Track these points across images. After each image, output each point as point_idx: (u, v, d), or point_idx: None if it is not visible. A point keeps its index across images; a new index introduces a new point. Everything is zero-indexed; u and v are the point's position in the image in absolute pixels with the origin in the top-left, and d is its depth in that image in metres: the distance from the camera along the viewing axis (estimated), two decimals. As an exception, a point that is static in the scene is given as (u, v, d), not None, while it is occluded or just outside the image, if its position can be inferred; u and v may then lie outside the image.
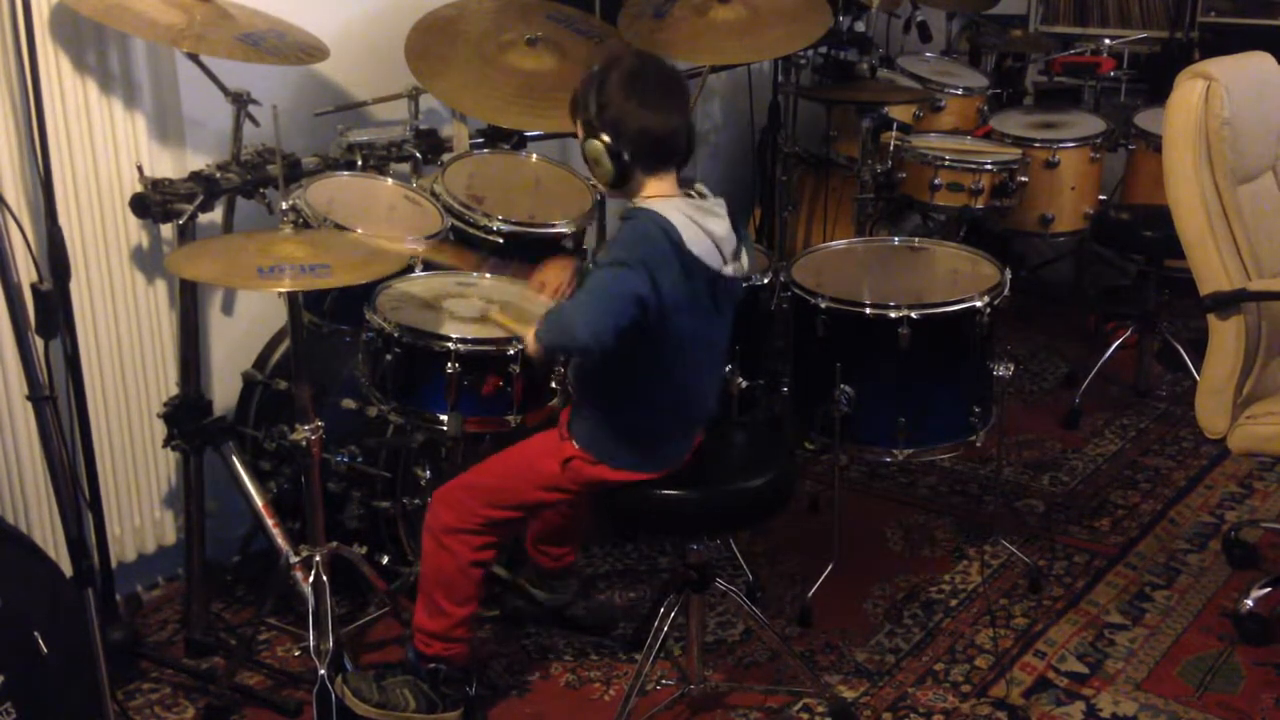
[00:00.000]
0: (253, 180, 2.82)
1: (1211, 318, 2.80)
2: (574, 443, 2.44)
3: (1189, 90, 2.76)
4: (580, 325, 2.24)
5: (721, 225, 2.36)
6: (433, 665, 2.57)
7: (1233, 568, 3.22)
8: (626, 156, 2.32)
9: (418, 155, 3.17)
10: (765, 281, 3.08)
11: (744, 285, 2.52)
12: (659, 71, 2.37)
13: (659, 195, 2.35)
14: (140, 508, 3.00)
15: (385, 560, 2.92)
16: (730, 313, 2.48)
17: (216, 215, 2.89)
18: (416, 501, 2.90)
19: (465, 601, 2.54)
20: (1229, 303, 2.75)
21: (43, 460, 2.56)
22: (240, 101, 2.79)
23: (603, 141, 2.32)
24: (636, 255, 2.26)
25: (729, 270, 2.37)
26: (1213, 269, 2.76)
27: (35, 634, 2.15)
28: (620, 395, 2.42)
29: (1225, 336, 2.78)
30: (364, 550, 2.85)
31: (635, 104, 2.31)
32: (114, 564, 2.88)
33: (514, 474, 2.52)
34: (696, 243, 2.30)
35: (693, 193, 2.40)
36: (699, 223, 2.32)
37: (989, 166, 3.91)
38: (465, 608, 2.54)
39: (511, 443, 2.60)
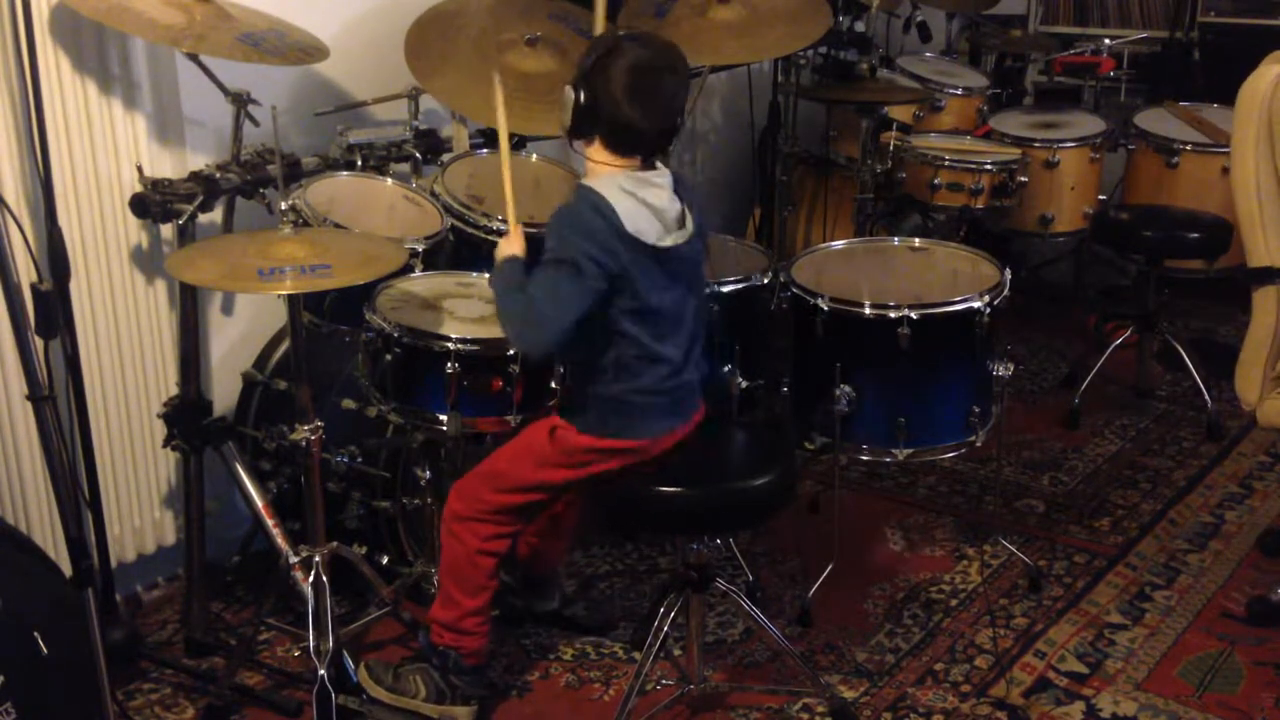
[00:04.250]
0: (253, 180, 2.83)
1: (1253, 291, 2.90)
2: (563, 415, 2.49)
3: (1262, 73, 2.83)
4: (538, 338, 2.36)
5: (660, 195, 2.38)
6: (442, 651, 2.60)
7: (1266, 555, 3.27)
8: (590, 124, 2.37)
9: (417, 155, 3.17)
10: (765, 281, 3.08)
11: (700, 250, 2.51)
12: (663, 77, 2.37)
13: (604, 163, 2.38)
14: (140, 508, 3.00)
15: (385, 560, 2.92)
16: (694, 280, 2.49)
17: (216, 215, 2.89)
18: (416, 501, 2.90)
19: (475, 592, 2.56)
20: (1259, 279, 2.86)
21: (43, 460, 2.56)
22: (240, 101, 2.79)
23: (578, 99, 2.36)
24: (577, 247, 2.29)
25: (669, 241, 2.38)
26: (1255, 244, 2.86)
27: (35, 634, 2.15)
28: (601, 370, 2.43)
29: (1259, 310, 2.88)
30: (364, 550, 2.85)
31: (624, 93, 2.33)
32: (114, 564, 2.88)
33: (513, 454, 2.54)
34: (633, 217, 2.33)
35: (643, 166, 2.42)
36: (635, 193, 2.35)
37: (989, 166, 3.91)
38: (475, 599, 2.56)
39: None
